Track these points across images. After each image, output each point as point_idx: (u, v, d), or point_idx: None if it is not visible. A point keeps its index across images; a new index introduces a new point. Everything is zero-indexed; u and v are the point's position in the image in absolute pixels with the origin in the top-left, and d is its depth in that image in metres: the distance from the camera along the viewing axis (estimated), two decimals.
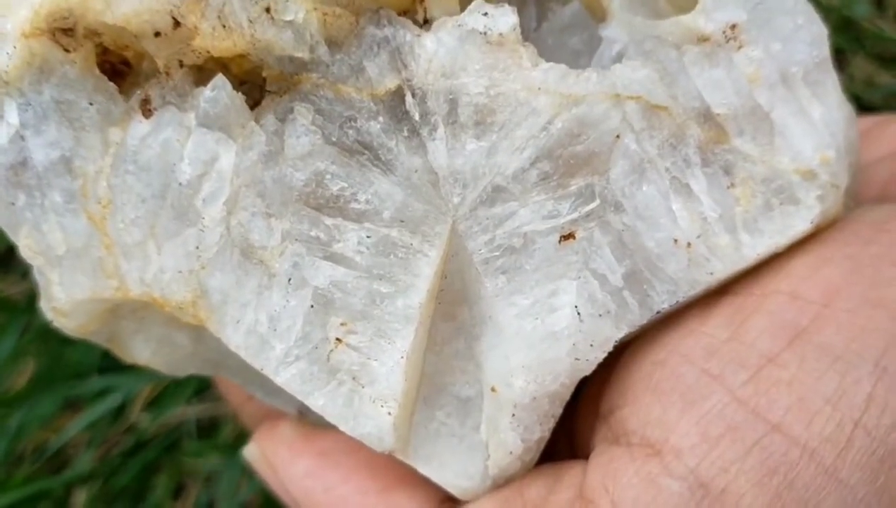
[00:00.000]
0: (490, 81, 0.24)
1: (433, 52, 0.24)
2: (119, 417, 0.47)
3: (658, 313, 0.25)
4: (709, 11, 0.26)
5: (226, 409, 0.47)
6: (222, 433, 0.46)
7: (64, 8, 0.24)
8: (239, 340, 0.25)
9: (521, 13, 0.29)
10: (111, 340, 0.29)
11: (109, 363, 0.47)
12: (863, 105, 0.45)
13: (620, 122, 0.24)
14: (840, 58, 0.49)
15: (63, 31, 0.24)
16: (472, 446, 0.27)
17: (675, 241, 0.25)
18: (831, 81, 0.26)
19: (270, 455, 0.29)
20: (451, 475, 0.27)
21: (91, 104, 0.25)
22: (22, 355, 0.47)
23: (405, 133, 0.24)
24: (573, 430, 0.29)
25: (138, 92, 0.25)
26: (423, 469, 0.27)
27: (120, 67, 0.26)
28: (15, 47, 0.24)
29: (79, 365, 0.47)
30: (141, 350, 0.28)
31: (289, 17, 0.24)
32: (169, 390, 0.47)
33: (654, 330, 0.26)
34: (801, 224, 0.25)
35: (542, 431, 0.26)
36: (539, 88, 0.24)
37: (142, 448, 0.46)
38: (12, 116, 0.25)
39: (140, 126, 0.25)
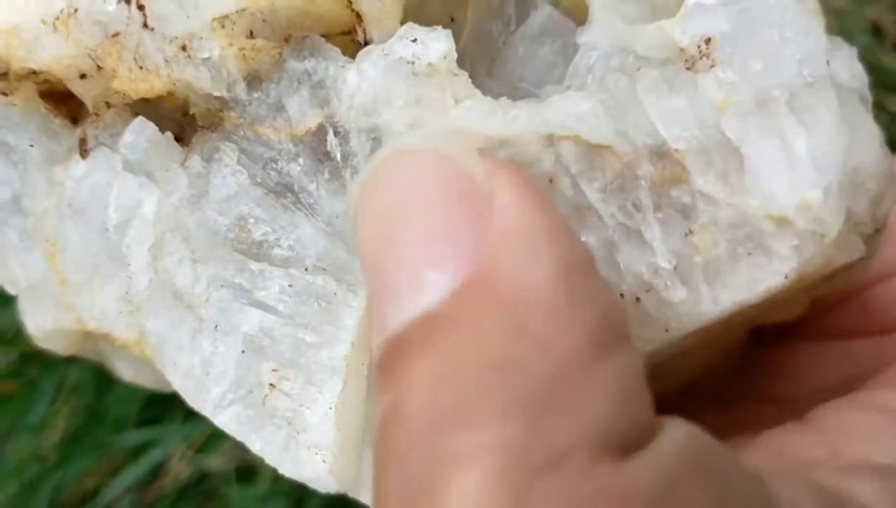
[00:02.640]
0: (412, 118, 0.22)
1: (356, 86, 0.22)
2: (158, 468, 0.47)
3: None
4: (686, 20, 0.22)
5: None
6: (261, 479, 0.46)
7: None
8: (177, 381, 0.25)
9: (498, 14, 0.26)
10: (98, 358, 0.29)
11: (147, 416, 0.47)
12: None
13: (554, 164, 0.21)
14: None
15: None
16: None
17: (622, 296, 0.22)
18: (827, 103, 0.21)
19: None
20: None
21: (32, 146, 0.25)
22: (56, 410, 0.47)
23: (326, 175, 0.23)
24: None
25: (79, 130, 0.25)
26: None
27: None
28: None
29: (116, 419, 0.47)
30: (123, 371, 0.29)
31: (205, 55, 0.23)
32: (208, 441, 0.47)
33: None
34: (772, 278, 0.21)
35: None
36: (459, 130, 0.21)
37: (181, 497, 0.46)
38: None
39: (78, 167, 0.25)
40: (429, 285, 0.17)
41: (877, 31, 0.53)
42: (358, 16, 0.24)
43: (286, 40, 0.23)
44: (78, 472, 0.46)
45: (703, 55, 0.22)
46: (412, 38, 0.22)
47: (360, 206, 0.18)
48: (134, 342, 0.25)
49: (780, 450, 0.22)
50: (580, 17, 0.25)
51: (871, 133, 0.23)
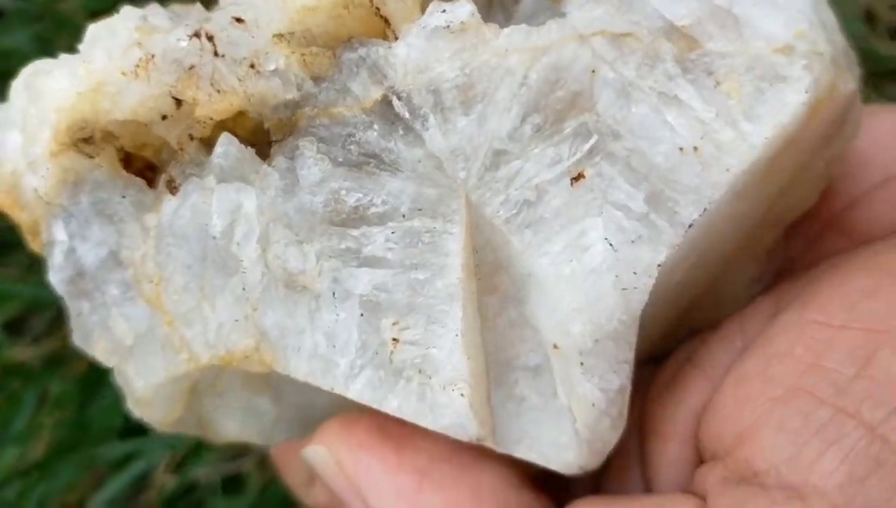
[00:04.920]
0: (462, 61, 0.26)
1: (406, 55, 0.26)
2: (143, 480, 0.47)
3: (691, 225, 0.25)
4: None
5: (250, 466, 0.46)
6: (248, 490, 0.46)
7: (79, 118, 0.27)
8: (304, 367, 0.26)
9: (488, 15, 0.31)
10: (199, 425, 0.30)
11: (130, 428, 0.47)
12: None
13: (592, 57, 0.25)
14: None
15: (84, 141, 0.27)
16: (555, 414, 0.27)
17: (681, 149, 0.25)
18: None
19: (349, 464, 0.28)
20: (547, 450, 0.27)
21: (124, 197, 0.27)
22: (39, 423, 0.47)
23: (401, 132, 0.26)
24: (647, 463, 0.29)
25: (163, 176, 0.28)
26: (516, 452, 0.27)
27: (146, 173, 0.29)
28: (48, 169, 0.27)
29: (98, 431, 0.47)
30: (228, 426, 0.30)
31: (272, 67, 0.26)
32: (193, 451, 0.47)
33: (739, 362, 0.27)
34: (796, 97, 0.25)
35: (619, 379, 0.26)
36: (506, 50, 0.25)
37: None
38: (60, 233, 0.28)
39: (170, 203, 0.27)
40: None
41: (870, 17, 0.53)
42: (385, 21, 0.28)
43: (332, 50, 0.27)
44: (62, 485, 0.45)
45: None
46: (441, 10, 0.27)
47: None
48: (253, 348, 0.26)
49: None
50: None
51: (824, 2, 0.28)
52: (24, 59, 0.53)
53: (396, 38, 0.28)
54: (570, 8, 0.27)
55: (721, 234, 0.28)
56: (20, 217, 0.29)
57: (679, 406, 0.28)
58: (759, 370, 0.26)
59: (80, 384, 0.48)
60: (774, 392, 0.25)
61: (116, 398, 0.44)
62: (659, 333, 0.32)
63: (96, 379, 0.47)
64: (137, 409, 0.29)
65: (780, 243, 0.32)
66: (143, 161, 0.29)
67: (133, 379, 0.28)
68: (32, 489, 0.45)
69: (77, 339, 0.29)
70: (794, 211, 0.31)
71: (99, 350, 0.28)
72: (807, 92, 0.25)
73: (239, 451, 0.47)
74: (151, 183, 0.28)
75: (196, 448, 0.47)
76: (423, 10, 0.28)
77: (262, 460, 0.46)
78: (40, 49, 0.55)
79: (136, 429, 0.47)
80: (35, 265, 0.50)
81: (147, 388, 0.28)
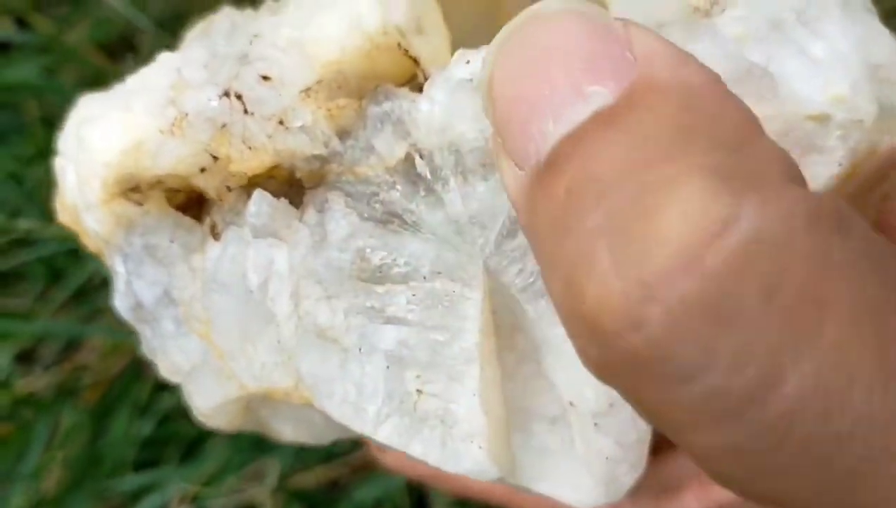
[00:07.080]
0: (483, 123, 0.25)
1: (429, 112, 0.26)
2: None
3: None
4: None
5: (263, 495, 0.47)
6: None
7: (124, 173, 0.28)
8: (337, 411, 0.28)
9: None
10: (258, 427, 0.33)
11: (145, 459, 0.47)
12: None
13: None
14: None
15: (131, 190, 0.29)
16: (574, 459, 0.28)
17: None
18: (830, 13, 0.24)
19: None
20: (566, 490, 0.28)
21: (172, 242, 0.29)
22: (51, 455, 0.47)
23: (422, 193, 0.26)
24: None
25: (207, 219, 0.29)
26: (537, 489, 0.28)
27: (197, 197, 0.30)
28: (101, 213, 0.29)
29: (113, 463, 0.47)
30: (284, 431, 0.32)
31: (299, 124, 0.27)
32: (207, 483, 0.47)
33: None
34: (828, 170, 0.24)
35: (637, 432, 0.27)
36: None
37: None
38: (119, 267, 0.30)
39: (213, 249, 0.29)
40: (593, 96, 0.18)
41: None
42: (415, 61, 0.27)
43: (361, 98, 0.27)
44: None
45: (714, 3, 0.25)
46: (466, 61, 0.26)
47: (497, 61, 0.20)
48: (293, 388, 0.29)
49: None
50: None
51: (884, 34, 0.25)
52: (31, 91, 0.54)
53: (426, 79, 0.27)
54: None
55: None
56: (87, 243, 0.31)
57: None
58: None
59: (93, 414, 0.47)
60: None
61: (129, 429, 0.47)
62: None
63: (109, 410, 0.47)
64: (202, 419, 0.31)
65: None
66: (192, 192, 0.30)
67: (194, 397, 0.31)
68: None
69: (145, 353, 0.32)
70: None
71: (162, 370, 0.31)
72: (840, 165, 0.24)
73: (253, 478, 0.47)
74: (201, 213, 0.30)
75: (210, 480, 0.47)
76: (451, 51, 0.27)
77: (276, 490, 0.47)
78: (47, 81, 0.56)
79: (150, 461, 0.47)
80: (45, 297, 0.50)
81: (207, 406, 0.31)
